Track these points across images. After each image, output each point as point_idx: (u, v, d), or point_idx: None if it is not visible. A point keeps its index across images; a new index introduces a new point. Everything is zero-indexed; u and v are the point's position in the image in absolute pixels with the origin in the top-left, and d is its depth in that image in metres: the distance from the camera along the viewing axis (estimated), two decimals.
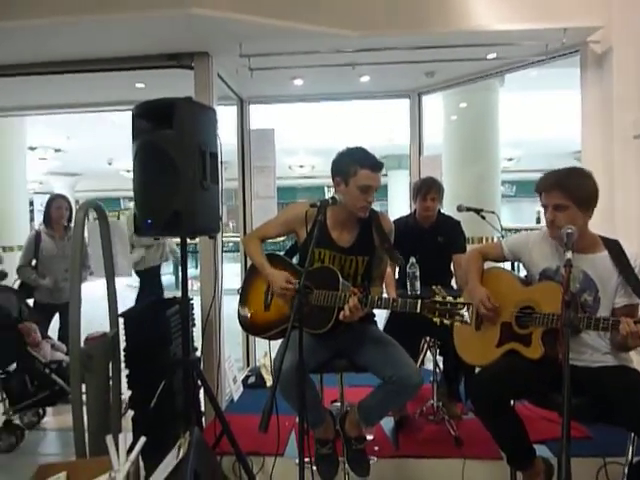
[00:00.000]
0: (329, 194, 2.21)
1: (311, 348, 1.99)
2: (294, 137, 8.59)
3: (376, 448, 2.60)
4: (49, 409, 3.55)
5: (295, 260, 2.40)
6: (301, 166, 12.80)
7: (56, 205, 3.88)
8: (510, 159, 11.30)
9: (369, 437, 2.53)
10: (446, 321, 1.79)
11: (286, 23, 2.74)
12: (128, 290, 5.43)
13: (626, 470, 2.00)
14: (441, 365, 3.02)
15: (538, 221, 12.17)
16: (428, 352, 3.23)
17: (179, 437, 2.16)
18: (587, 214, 1.90)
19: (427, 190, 2.99)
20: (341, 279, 2.05)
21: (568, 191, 1.85)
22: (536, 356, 1.87)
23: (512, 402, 2.02)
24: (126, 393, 2.67)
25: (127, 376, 2.65)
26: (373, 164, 2.09)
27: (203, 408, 2.82)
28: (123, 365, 2.61)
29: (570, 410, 1.29)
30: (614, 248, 1.93)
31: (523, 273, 2.20)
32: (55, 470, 2.08)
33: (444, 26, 2.97)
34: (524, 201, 15.63)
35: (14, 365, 3.22)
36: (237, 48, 2.99)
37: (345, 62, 3.29)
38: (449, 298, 1.80)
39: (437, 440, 2.71)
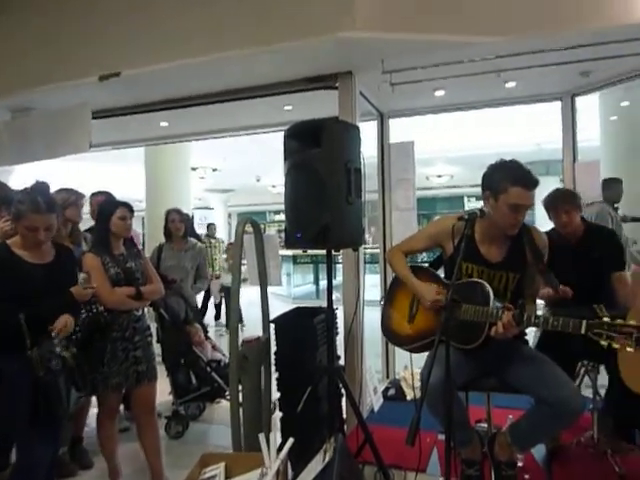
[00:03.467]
0: (469, 204, 2.14)
1: (458, 364, 1.94)
2: (431, 147, 8.44)
3: (526, 476, 2.42)
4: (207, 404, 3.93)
5: (440, 273, 2.36)
6: (439, 176, 12.54)
7: (170, 219, 3.97)
8: None
9: (519, 464, 2.38)
10: (616, 345, 1.64)
11: (429, 36, 2.72)
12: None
13: None
14: (602, 392, 2.73)
15: None
16: (586, 377, 2.93)
17: (323, 441, 2.26)
18: None
19: (556, 206, 2.72)
20: (492, 295, 1.98)
21: None
22: None
23: None
24: (275, 395, 2.85)
25: (277, 379, 2.83)
26: (526, 182, 1.95)
27: (345, 415, 2.90)
28: (273, 368, 2.81)
29: None
30: None
31: None
32: (216, 459, 2.32)
33: (601, 21, 2.67)
34: None
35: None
36: (380, 65, 3.04)
37: (490, 69, 3.17)
38: (619, 320, 1.65)
39: (598, 476, 2.45)
